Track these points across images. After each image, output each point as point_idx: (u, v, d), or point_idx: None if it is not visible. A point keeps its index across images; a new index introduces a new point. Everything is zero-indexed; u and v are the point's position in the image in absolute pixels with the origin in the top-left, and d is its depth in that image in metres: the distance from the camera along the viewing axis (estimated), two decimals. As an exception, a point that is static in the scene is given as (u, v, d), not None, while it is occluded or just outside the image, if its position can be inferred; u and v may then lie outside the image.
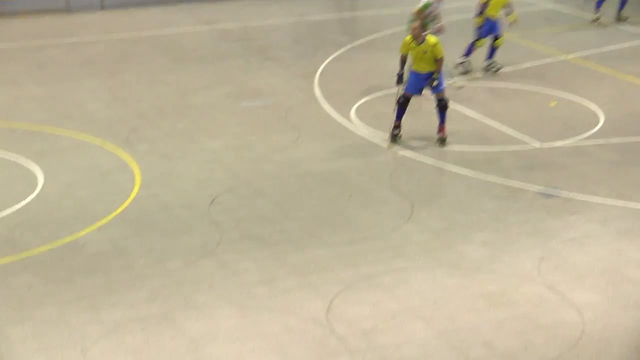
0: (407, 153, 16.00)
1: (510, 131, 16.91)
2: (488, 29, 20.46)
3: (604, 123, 17.25)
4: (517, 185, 14.73)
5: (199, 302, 11.59)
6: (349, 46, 22.44)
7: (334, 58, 21.32)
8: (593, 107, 17.88)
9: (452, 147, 16.10)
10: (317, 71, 20.36)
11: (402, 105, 16.26)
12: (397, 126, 16.34)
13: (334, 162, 15.77)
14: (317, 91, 19.07)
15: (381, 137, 16.70)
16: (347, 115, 17.77)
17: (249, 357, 10.48)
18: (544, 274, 12.15)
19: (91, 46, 22.87)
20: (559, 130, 16.96)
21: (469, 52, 20.55)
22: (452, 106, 17.64)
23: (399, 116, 16.28)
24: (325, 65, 20.68)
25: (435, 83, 16.21)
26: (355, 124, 17.37)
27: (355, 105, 18.26)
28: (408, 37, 16.45)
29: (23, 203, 14.30)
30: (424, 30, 16.76)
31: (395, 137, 16.39)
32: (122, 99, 18.87)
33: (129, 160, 15.87)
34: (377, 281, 12.02)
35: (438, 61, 16.12)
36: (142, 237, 13.25)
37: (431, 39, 16.24)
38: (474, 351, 10.56)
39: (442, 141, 16.27)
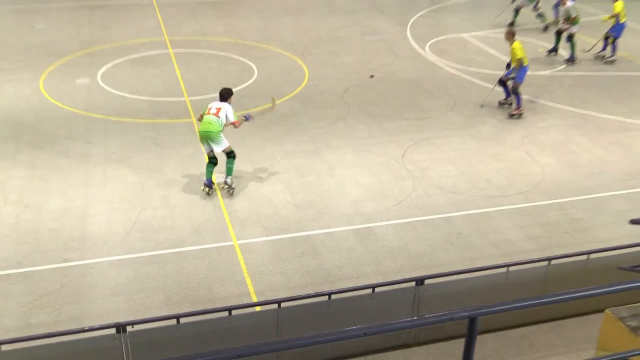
0: (456, 71, 15.52)
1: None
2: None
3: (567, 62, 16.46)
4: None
5: (334, 144, 11.70)
6: (428, 9, 21.57)
7: (419, 15, 20.56)
8: (563, 53, 16.98)
9: (482, 69, 15.54)
10: (409, 22, 19.70)
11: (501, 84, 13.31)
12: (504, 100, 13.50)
13: (413, 73, 15.43)
14: (408, 34, 18.50)
15: (440, 62, 16.21)
16: (423, 48, 17.24)
17: (358, 176, 10.62)
18: (524, 145, 11.91)
19: (287, 1, 22.42)
20: (541, 65, 16.20)
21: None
22: (489, 49, 17.00)
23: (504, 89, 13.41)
24: (415, 19, 19.98)
25: (512, 75, 12.92)
26: (427, 53, 16.87)
27: (429, 43, 17.68)
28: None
29: (246, 84, 14.42)
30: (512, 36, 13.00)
31: (502, 104, 13.46)
32: (301, 31, 18.61)
33: (302, 65, 15.79)
34: (431, 141, 11.94)
35: (516, 61, 12.73)
36: (307, 108, 13.29)
37: (514, 43, 12.81)
38: (480, 184, 10.50)
39: (517, 116, 12.97)
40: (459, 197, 10.08)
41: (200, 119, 9.88)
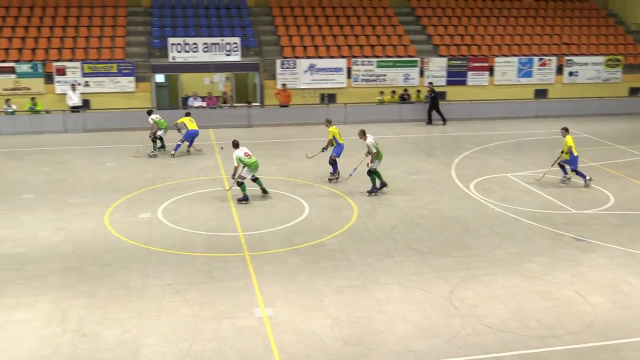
0: (501, 209, 15.44)
1: (559, 203, 16.07)
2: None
3: (613, 202, 16.18)
4: (561, 232, 14.00)
5: (382, 280, 11.54)
6: (471, 150, 21.94)
7: (463, 156, 20.89)
8: (607, 192, 16.84)
9: (527, 208, 15.44)
10: (453, 162, 20.01)
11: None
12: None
13: (459, 211, 15.40)
14: (453, 173, 18.73)
15: (485, 200, 16.19)
16: (468, 187, 17.34)
17: (406, 314, 10.35)
18: (574, 284, 11.50)
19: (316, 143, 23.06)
20: (586, 204, 16.00)
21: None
22: (533, 187, 16.98)
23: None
24: (459, 160, 20.28)
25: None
26: (473, 193, 16.92)
27: (473, 182, 17.81)
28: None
29: (297, 220, 14.60)
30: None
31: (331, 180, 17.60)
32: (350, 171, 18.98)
33: (352, 203, 15.98)
34: (478, 279, 11.66)
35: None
36: (355, 244, 13.27)
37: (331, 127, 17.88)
38: (530, 323, 10.11)
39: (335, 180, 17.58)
40: (508, 337, 9.67)
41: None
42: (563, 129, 17.95)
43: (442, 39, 31.66)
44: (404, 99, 28.65)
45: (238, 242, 13.29)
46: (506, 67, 30.53)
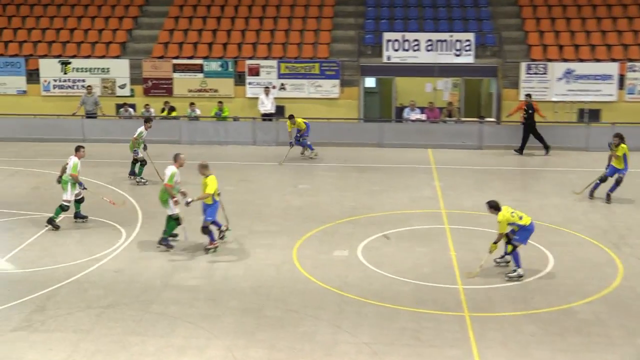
0: None
1: None
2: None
3: None
4: None
5: (655, 370, 10.70)
6: None
7: None
8: None
9: None
10: None
11: None
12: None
13: None
14: None
15: None
16: None
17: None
18: None
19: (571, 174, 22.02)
20: None
21: None
22: None
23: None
24: None
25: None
26: None
27: None
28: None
29: (537, 275, 14.16)
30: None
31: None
32: (616, 215, 18.05)
33: (616, 258, 15.09)
34: None
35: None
36: (618, 315, 12.46)
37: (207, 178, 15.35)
38: None
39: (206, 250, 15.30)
40: None
41: None
42: (489, 205, 14.32)
43: None
44: (702, 120, 26.68)
45: (456, 297, 13.14)
46: None
